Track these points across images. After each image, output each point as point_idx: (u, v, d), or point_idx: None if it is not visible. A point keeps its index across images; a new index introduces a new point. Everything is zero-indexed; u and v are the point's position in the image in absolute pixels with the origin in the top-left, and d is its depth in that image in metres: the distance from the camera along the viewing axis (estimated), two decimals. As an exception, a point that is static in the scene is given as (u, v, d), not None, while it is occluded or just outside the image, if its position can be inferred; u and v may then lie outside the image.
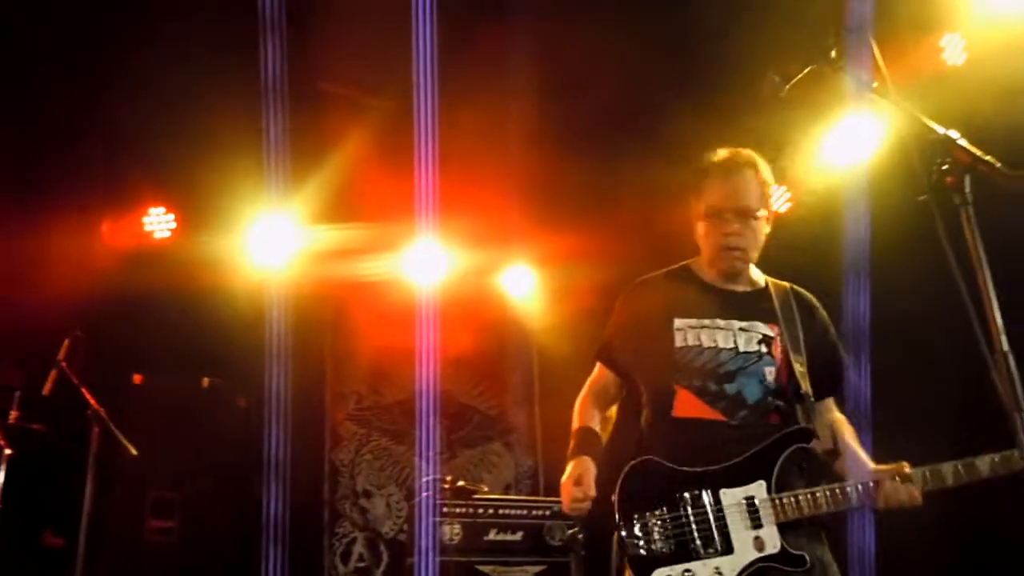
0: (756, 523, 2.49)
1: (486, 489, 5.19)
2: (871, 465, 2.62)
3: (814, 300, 2.82)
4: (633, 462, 2.58)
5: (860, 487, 2.52)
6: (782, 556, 2.47)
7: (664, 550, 2.48)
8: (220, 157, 4.93)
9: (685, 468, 2.55)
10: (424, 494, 4.88)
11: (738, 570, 2.46)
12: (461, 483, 4.94)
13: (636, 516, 2.52)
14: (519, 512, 4.92)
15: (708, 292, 2.73)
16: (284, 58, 3.93)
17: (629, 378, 2.81)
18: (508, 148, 4.97)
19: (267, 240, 5.71)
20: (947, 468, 2.52)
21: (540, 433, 6.63)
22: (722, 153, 2.75)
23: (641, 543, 2.49)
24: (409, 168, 4.64)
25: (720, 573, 2.45)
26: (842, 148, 5.15)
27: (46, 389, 4.43)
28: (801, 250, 5.32)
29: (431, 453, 5.90)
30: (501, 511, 4.91)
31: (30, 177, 5.19)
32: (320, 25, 4.24)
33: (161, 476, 5.31)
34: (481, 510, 4.89)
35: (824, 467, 2.69)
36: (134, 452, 4.50)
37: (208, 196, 5.43)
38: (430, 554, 4.73)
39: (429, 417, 5.66)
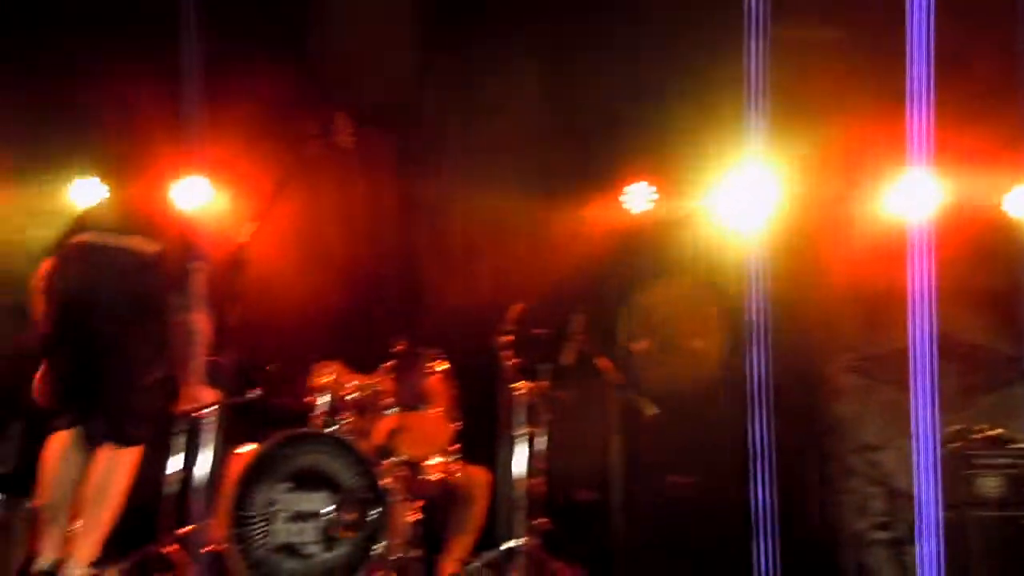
0: None
1: (1025, 437, 4.67)
2: None
3: None
4: None
5: None
6: None
7: None
8: (696, 121, 5.05)
9: None
10: (949, 445, 4.55)
11: None
12: (995, 432, 4.51)
13: None
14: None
15: None
16: (767, 7, 3.87)
17: None
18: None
19: (746, 198, 5.72)
20: None
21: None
22: None
23: None
24: (892, 101, 4.30)
25: None
26: None
27: (568, 360, 4.90)
28: None
29: (935, 401, 5.46)
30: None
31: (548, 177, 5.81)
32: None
33: (674, 434, 5.59)
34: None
35: None
36: (652, 412, 4.80)
37: (684, 162, 5.60)
38: (940, 508, 4.41)
39: (930, 363, 5.23)
